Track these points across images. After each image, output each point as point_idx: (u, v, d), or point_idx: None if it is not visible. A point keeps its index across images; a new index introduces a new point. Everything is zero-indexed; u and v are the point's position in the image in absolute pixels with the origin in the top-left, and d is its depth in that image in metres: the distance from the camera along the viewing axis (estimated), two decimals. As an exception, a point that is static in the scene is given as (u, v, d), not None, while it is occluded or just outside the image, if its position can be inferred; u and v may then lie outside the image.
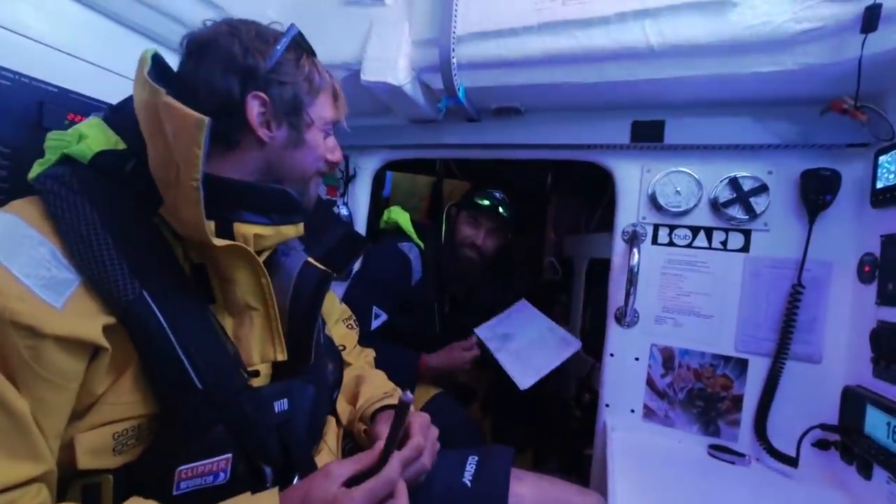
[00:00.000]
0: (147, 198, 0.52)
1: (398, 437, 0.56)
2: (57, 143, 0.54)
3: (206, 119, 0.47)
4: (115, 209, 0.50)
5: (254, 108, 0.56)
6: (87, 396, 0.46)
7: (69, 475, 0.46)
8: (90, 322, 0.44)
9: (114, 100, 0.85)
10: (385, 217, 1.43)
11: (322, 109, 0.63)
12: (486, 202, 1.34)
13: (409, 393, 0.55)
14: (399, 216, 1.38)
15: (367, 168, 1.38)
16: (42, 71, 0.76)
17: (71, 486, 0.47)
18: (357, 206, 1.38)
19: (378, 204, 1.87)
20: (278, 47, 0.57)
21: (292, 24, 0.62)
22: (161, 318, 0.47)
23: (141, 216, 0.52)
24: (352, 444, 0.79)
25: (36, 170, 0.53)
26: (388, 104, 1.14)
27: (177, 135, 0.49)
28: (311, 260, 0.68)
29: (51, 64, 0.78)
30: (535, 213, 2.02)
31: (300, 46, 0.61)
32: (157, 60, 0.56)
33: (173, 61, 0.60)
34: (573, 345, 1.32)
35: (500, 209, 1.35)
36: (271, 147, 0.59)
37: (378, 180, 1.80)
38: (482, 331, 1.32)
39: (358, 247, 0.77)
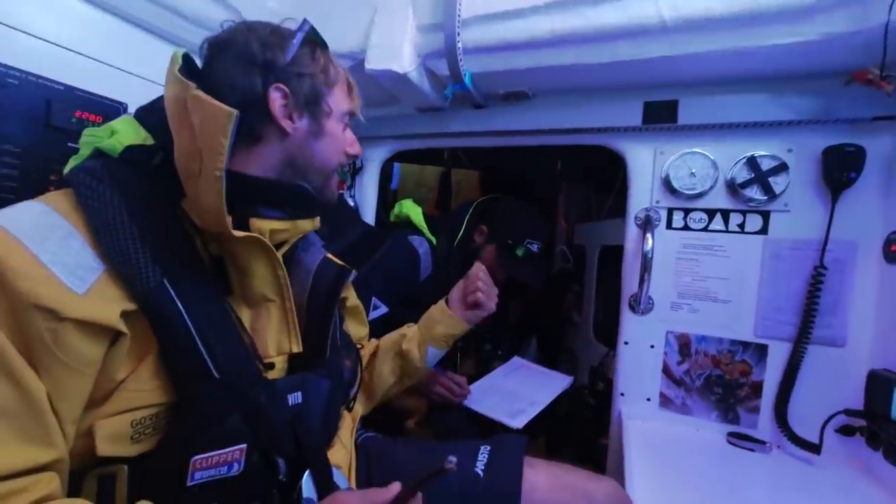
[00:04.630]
0: (171, 190, 0.54)
1: (418, 489, 0.53)
2: (90, 138, 0.56)
3: (235, 112, 0.49)
4: (141, 201, 0.52)
5: (276, 100, 0.57)
6: (107, 383, 0.46)
7: (86, 465, 0.47)
8: (110, 307, 0.45)
9: (119, 95, 0.87)
10: (396, 211, 1.40)
11: (339, 100, 0.63)
12: (522, 254, 1.28)
13: (453, 458, 0.49)
14: (411, 210, 1.34)
15: (374, 160, 1.37)
16: (49, 69, 0.76)
17: (87, 478, 0.47)
18: (365, 198, 1.38)
19: (386, 196, 1.87)
20: (294, 41, 0.59)
21: (305, 19, 0.62)
22: (181, 307, 0.48)
23: (164, 207, 0.54)
24: (364, 434, 0.79)
25: (70, 164, 0.56)
26: (394, 93, 1.12)
27: (204, 126, 0.50)
28: (329, 256, 0.69)
29: (57, 62, 0.78)
30: (546, 201, 1.99)
31: (314, 40, 0.62)
32: (186, 59, 0.58)
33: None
34: (565, 380, 1.32)
35: (533, 262, 1.30)
36: (294, 139, 0.59)
37: (385, 172, 1.79)
38: (468, 401, 1.18)
39: (377, 245, 0.76)
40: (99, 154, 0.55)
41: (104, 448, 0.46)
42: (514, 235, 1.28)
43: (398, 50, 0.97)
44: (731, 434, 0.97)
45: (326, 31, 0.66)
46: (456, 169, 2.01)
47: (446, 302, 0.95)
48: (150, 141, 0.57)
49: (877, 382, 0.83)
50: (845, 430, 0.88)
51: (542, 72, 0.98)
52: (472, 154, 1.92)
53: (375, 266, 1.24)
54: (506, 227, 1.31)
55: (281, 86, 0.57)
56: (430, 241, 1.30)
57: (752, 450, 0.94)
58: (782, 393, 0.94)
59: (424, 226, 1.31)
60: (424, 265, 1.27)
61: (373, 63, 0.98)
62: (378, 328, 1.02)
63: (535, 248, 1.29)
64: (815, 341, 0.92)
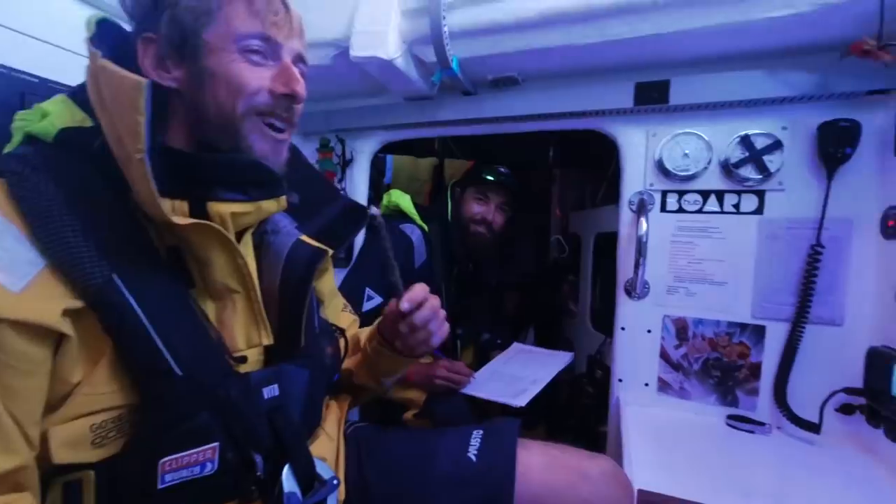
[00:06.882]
0: (116, 177, 0.48)
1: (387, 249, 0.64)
2: (20, 122, 0.51)
3: (145, 81, 0.43)
4: (82, 189, 0.47)
5: (145, 53, 0.50)
6: (61, 386, 0.43)
7: (48, 472, 0.44)
8: (49, 306, 0.41)
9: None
10: (385, 201, 1.40)
11: (228, 23, 0.50)
12: (493, 177, 1.35)
13: (374, 207, 0.59)
14: (400, 199, 1.35)
15: (364, 151, 1.35)
16: (22, 61, 0.74)
17: (51, 486, 0.44)
18: (356, 190, 1.36)
19: (379, 190, 1.85)
20: None
21: None
22: (133, 303, 0.44)
23: (110, 196, 0.48)
24: (354, 425, 0.78)
25: (4, 152, 0.51)
26: (381, 82, 1.10)
27: (116, 101, 0.45)
28: (303, 238, 0.64)
29: (31, 54, 0.76)
30: (540, 190, 1.98)
31: None
32: (108, 27, 0.52)
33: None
34: (565, 357, 1.32)
35: (508, 183, 1.35)
36: (184, 93, 0.51)
37: (378, 167, 1.77)
38: (469, 388, 1.17)
39: (358, 220, 0.71)
40: (31, 139, 0.50)
41: (62, 455, 0.42)
42: (481, 167, 1.39)
43: (383, 36, 0.95)
44: (730, 416, 0.97)
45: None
46: (450, 160, 1.98)
47: (381, 336, 0.75)
48: (87, 123, 0.51)
49: (876, 359, 0.82)
50: (845, 409, 0.87)
51: (531, 55, 0.96)
52: (464, 144, 1.90)
53: (368, 257, 1.23)
54: (471, 169, 1.46)
55: (148, 34, 0.50)
56: (421, 229, 1.29)
57: (751, 431, 0.93)
58: (781, 374, 0.93)
59: (415, 213, 1.31)
60: (419, 252, 1.26)
61: (358, 50, 0.96)
62: (372, 319, 1.01)
63: (502, 169, 1.38)
64: (813, 321, 0.91)
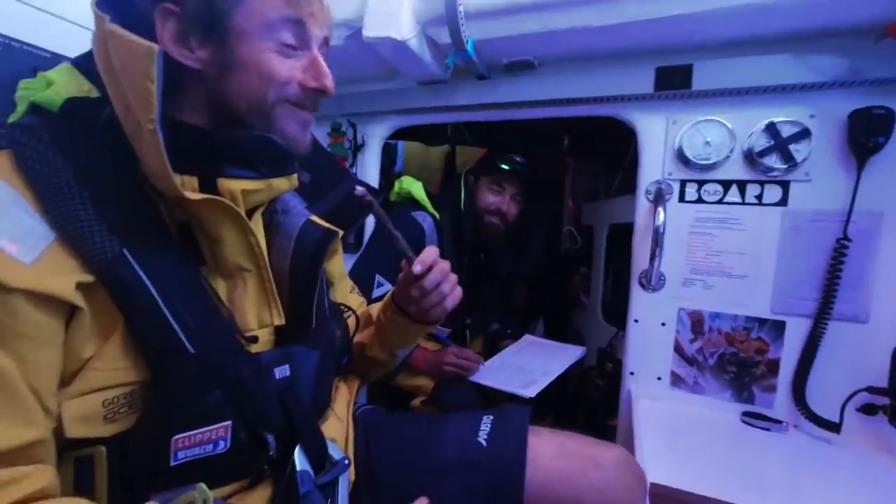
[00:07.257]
0: (125, 150, 0.46)
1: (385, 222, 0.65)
2: (24, 91, 0.49)
3: (157, 47, 0.41)
4: (90, 162, 0.45)
5: (164, 25, 0.47)
6: (73, 361, 0.42)
7: (60, 447, 0.43)
8: (63, 279, 0.40)
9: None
10: (396, 188, 1.39)
11: (261, 7, 0.48)
12: (508, 166, 1.33)
13: (359, 187, 0.60)
14: (412, 186, 1.34)
15: (375, 136, 1.33)
16: (36, 36, 0.74)
17: (63, 461, 0.44)
18: (367, 175, 1.34)
19: (390, 178, 1.84)
20: None
21: None
22: (145, 279, 0.44)
23: (119, 170, 0.47)
24: (363, 407, 0.77)
25: (9, 122, 0.49)
26: (394, 64, 1.08)
27: (126, 69, 0.43)
28: (314, 218, 0.64)
29: (44, 29, 0.76)
30: (553, 181, 1.95)
31: None
32: None
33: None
34: (577, 350, 1.30)
35: (523, 172, 1.34)
36: (207, 75, 0.48)
37: (389, 155, 1.75)
38: (478, 377, 1.17)
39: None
40: (37, 109, 0.48)
41: (75, 429, 0.42)
42: (495, 156, 1.37)
43: (396, 16, 0.93)
44: (745, 413, 0.94)
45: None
46: (463, 147, 1.96)
47: (396, 305, 0.74)
48: (94, 93, 0.49)
49: (902, 358, 0.79)
50: (867, 409, 0.84)
51: (547, 37, 0.93)
52: (476, 131, 1.88)
53: (379, 242, 1.22)
54: (485, 158, 1.44)
55: (168, 5, 0.46)
56: (433, 217, 1.28)
57: (767, 429, 0.90)
58: (800, 371, 0.90)
59: (427, 200, 1.30)
60: (430, 240, 1.25)
61: (370, 30, 0.94)
62: None
63: (518, 158, 1.35)
64: (837, 317, 0.88)
